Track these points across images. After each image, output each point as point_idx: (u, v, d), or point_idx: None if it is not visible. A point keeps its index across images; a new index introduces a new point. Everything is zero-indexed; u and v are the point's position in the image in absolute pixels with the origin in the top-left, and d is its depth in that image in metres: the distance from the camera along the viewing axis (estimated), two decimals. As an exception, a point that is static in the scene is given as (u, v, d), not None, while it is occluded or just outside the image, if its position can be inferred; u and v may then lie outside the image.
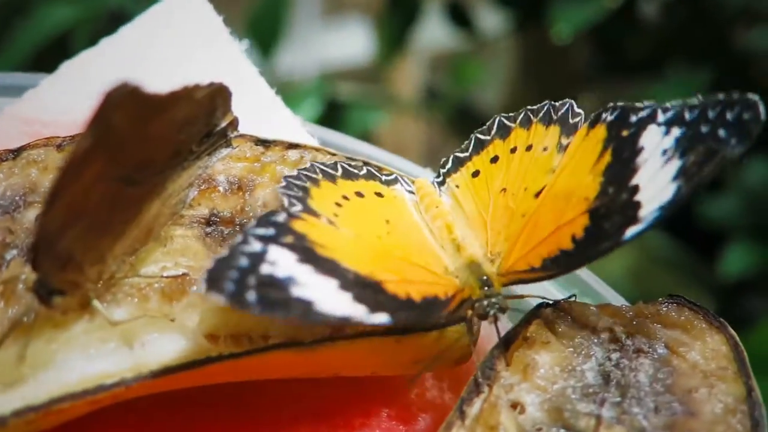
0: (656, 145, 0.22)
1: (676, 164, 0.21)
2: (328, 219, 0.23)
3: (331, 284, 0.21)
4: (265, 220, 0.21)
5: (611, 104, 0.23)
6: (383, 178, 0.26)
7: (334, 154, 0.26)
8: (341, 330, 0.23)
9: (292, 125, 0.28)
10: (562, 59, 0.86)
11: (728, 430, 0.21)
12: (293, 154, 0.26)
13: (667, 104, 0.23)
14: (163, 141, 0.20)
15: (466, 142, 0.26)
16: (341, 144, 0.30)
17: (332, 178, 0.25)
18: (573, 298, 0.24)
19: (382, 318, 0.21)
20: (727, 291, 0.83)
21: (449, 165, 0.26)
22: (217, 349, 0.23)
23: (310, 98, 0.67)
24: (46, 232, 0.18)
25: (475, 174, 0.25)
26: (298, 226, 0.22)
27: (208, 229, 0.24)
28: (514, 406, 0.22)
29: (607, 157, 0.23)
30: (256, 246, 0.20)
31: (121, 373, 0.22)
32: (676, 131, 0.22)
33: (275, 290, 0.20)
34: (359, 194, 0.25)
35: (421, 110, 0.96)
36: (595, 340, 0.23)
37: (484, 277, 0.23)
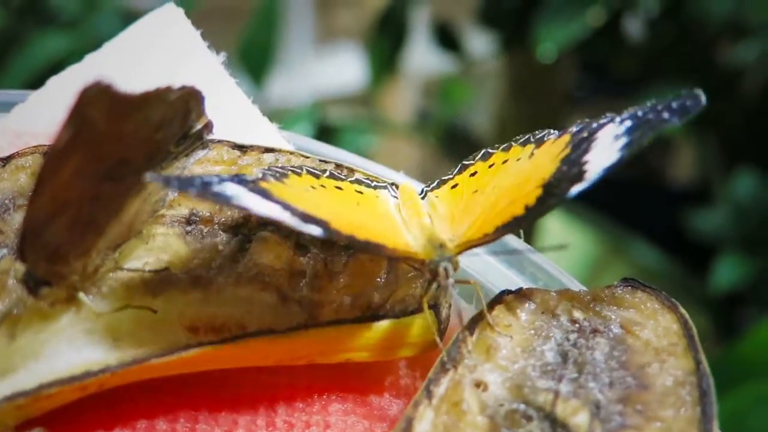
0: (610, 133, 0.24)
1: (623, 141, 0.23)
2: (299, 189, 0.24)
3: (274, 205, 0.22)
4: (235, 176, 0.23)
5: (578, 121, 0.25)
6: (371, 183, 0.27)
7: (307, 157, 0.28)
8: (315, 318, 0.25)
9: (268, 132, 0.30)
10: (550, 80, 0.87)
11: (678, 400, 0.22)
12: (268, 157, 0.27)
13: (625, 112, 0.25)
14: (140, 140, 0.22)
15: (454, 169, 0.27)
16: (317, 150, 0.31)
17: (316, 175, 0.26)
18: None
19: (313, 229, 0.21)
20: (718, 303, 0.83)
21: (433, 185, 0.27)
22: (196, 338, 0.24)
23: (302, 123, 0.68)
24: (32, 221, 0.20)
25: (454, 186, 0.27)
26: (263, 183, 0.23)
27: (189, 228, 0.26)
28: (478, 384, 0.23)
29: (567, 150, 0.24)
30: (215, 179, 0.22)
31: (107, 361, 0.23)
32: (628, 122, 0.24)
33: (216, 191, 0.21)
34: (338, 188, 0.26)
35: (413, 133, 0.98)
36: (555, 323, 0.25)
37: (439, 244, 0.24)
